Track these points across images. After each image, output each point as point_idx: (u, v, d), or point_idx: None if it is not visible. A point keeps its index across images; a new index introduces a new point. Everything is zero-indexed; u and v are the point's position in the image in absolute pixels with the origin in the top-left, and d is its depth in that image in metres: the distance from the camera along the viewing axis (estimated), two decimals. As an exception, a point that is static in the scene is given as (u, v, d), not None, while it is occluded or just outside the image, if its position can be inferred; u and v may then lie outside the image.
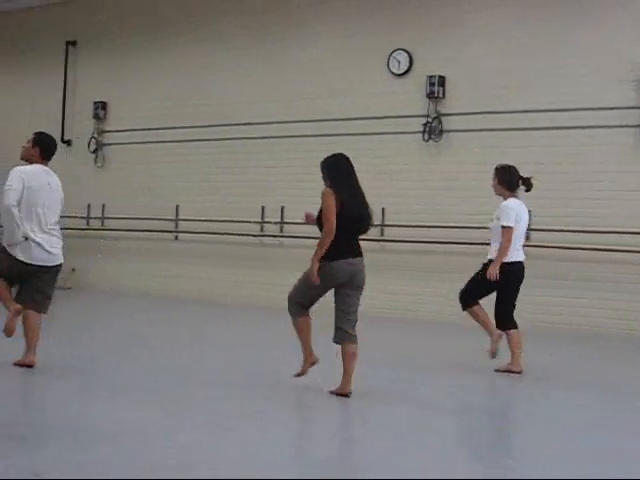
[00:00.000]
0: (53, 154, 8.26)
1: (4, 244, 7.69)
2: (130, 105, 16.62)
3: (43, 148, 8.22)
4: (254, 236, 14.86)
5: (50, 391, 7.15)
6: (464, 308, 8.88)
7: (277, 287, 14.41)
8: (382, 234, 13.50)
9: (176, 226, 15.78)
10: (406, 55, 13.59)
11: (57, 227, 7.89)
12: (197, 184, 15.52)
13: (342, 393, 6.96)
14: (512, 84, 12.78)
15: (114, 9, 16.92)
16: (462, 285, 8.96)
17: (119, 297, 15.43)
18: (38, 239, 7.58)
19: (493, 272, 8.42)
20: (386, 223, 13.50)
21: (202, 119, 15.50)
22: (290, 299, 7.16)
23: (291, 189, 14.44)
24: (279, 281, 14.41)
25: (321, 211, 7.01)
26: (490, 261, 8.60)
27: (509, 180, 8.75)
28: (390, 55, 13.69)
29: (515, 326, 8.67)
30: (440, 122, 13.26)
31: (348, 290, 6.99)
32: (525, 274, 8.78)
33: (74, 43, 17.53)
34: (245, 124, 14.97)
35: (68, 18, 17.58)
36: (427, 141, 13.30)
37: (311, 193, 14.00)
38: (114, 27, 16.93)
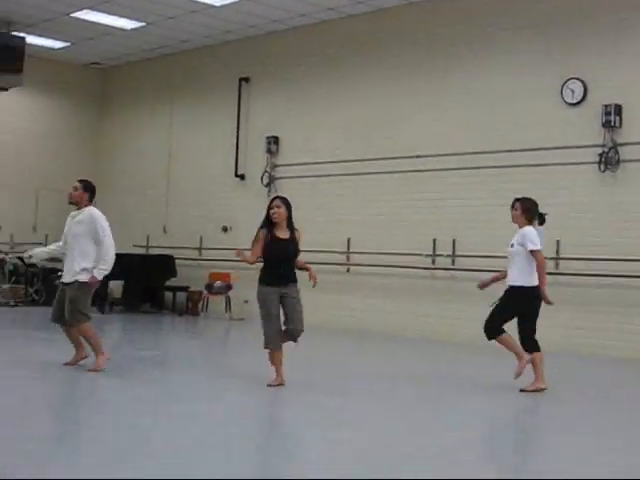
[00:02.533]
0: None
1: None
2: (301, 139, 16.89)
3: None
4: (425, 269, 14.79)
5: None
6: (489, 338, 9.23)
7: (450, 320, 14.39)
8: (557, 267, 13.16)
9: (348, 259, 15.89)
10: (580, 84, 13.28)
11: None
12: (368, 217, 15.59)
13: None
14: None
15: (285, 45, 17.27)
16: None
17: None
18: None
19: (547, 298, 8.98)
20: (561, 256, 13.17)
21: (372, 152, 15.61)
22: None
23: (462, 221, 14.34)
24: (452, 314, 14.36)
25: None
26: (510, 287, 9.10)
27: (532, 211, 9.34)
28: (564, 84, 13.42)
29: (539, 349, 9.12)
30: (617, 152, 12.87)
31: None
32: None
33: (247, 80, 17.99)
34: (416, 156, 14.96)
35: (241, 56, 18.08)
36: (603, 172, 12.94)
37: (483, 225, 13.99)
38: (285, 63, 17.29)
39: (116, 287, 18.76)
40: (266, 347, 8.71)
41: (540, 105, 13.70)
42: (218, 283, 17.34)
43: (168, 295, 18.54)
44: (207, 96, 18.85)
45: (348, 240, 15.86)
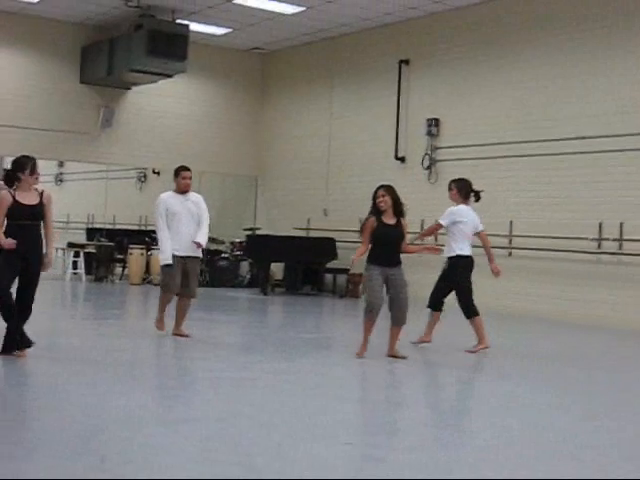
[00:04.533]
0: None
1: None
2: (462, 121, 16.68)
3: None
4: (590, 253, 14.38)
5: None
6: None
7: (616, 306, 13.96)
8: None
9: (510, 242, 15.61)
10: None
11: None
12: (531, 199, 15.28)
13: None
14: None
15: (444, 26, 17.06)
16: None
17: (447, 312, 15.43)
18: None
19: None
20: None
21: (535, 134, 15.26)
22: None
23: (630, 204, 13.87)
24: (618, 300, 13.93)
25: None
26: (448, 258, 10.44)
27: (466, 190, 10.60)
28: None
29: (477, 313, 10.29)
30: None
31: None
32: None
33: (407, 62, 17.87)
34: (579, 138, 14.55)
35: (401, 38, 17.97)
36: None
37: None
38: (445, 45, 17.09)
39: (277, 269, 19.07)
40: (365, 317, 9.43)
41: None
42: (378, 266, 17.30)
43: (329, 277, 18.70)
44: (366, 79, 18.83)
45: (510, 223, 15.59)
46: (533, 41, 15.54)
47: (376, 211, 9.44)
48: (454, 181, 10.75)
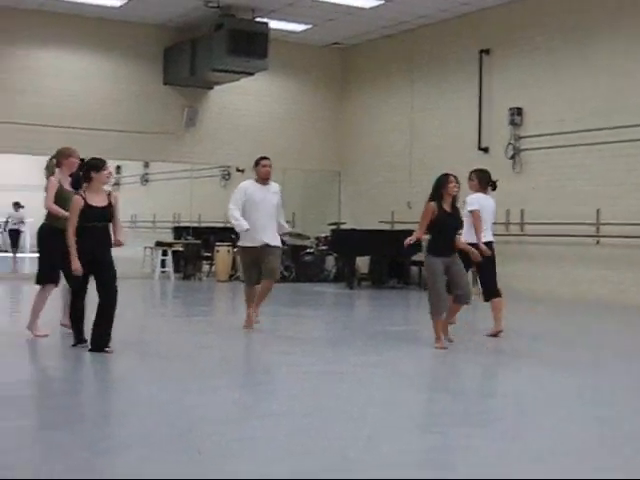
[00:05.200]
0: None
1: None
2: (545, 109, 16.47)
3: None
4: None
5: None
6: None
7: None
8: None
9: (597, 230, 15.38)
10: None
11: None
12: (619, 187, 15.02)
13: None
14: None
15: (524, 14, 16.86)
16: None
17: (535, 302, 15.27)
18: None
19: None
20: None
21: (620, 120, 15.00)
22: None
23: None
24: None
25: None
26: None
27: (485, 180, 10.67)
28: None
29: (498, 295, 10.38)
30: None
31: None
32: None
33: (487, 51, 17.72)
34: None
35: (481, 27, 17.82)
36: None
37: None
38: (525, 32, 16.88)
39: (363, 263, 19.09)
40: (433, 316, 9.49)
41: None
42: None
43: (414, 270, 18.65)
44: (447, 71, 18.72)
45: (597, 211, 15.35)
46: (615, 27, 15.28)
47: (438, 198, 9.53)
48: (475, 171, 10.89)
